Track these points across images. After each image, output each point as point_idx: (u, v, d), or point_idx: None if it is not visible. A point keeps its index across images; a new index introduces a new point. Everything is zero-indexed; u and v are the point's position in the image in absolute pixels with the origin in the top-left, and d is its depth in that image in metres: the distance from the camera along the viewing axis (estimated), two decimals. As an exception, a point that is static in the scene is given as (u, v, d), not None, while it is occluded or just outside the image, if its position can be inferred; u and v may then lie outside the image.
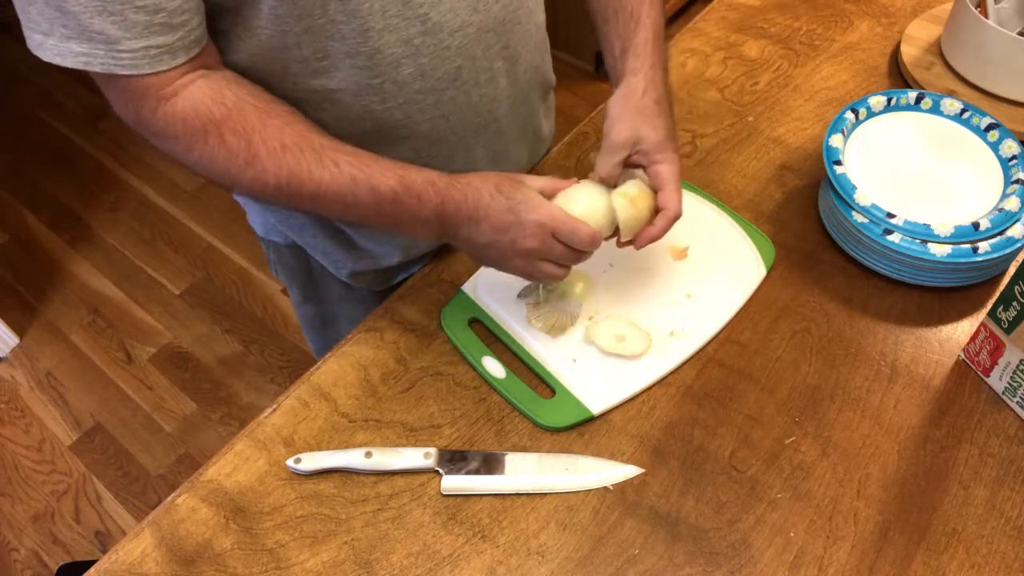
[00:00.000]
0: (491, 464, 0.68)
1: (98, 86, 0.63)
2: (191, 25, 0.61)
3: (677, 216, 0.70)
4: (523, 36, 0.78)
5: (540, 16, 0.82)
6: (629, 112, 0.70)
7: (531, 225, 0.66)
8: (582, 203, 0.68)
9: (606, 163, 0.69)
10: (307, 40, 0.65)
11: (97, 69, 0.59)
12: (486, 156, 0.83)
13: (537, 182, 0.68)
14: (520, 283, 0.78)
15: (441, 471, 0.68)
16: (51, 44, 0.58)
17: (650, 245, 0.76)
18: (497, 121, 0.81)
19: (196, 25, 0.62)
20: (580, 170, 0.92)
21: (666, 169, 0.70)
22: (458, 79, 0.74)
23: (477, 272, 0.82)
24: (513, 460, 0.69)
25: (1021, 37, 0.88)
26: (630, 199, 0.68)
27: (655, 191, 0.70)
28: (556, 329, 0.76)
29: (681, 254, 0.81)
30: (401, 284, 0.85)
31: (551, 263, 0.68)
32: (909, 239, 0.74)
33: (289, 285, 1.01)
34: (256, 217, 0.93)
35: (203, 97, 0.63)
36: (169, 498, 0.69)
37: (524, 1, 0.77)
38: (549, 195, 0.68)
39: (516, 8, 0.75)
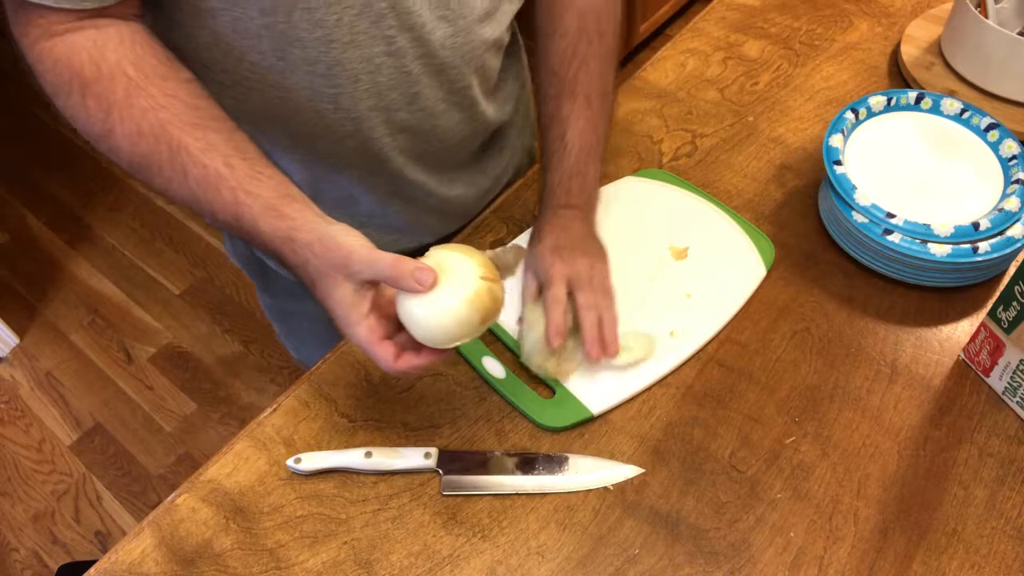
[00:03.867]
0: (492, 464, 0.68)
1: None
2: None
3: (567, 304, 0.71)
4: (483, 81, 0.79)
5: (499, 64, 0.82)
6: (527, 265, 0.75)
7: (340, 329, 0.62)
8: (426, 307, 0.58)
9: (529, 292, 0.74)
10: (267, 35, 0.64)
11: None
12: (431, 180, 0.83)
13: (364, 274, 0.58)
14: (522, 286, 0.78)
15: (441, 471, 0.68)
16: None
17: (650, 244, 0.75)
18: (446, 150, 0.81)
19: None
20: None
21: (547, 278, 0.72)
22: (414, 104, 0.73)
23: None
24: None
25: (1021, 37, 0.88)
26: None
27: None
28: (561, 375, 0.73)
29: (681, 254, 0.81)
30: None
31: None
32: (909, 239, 0.74)
33: (247, 274, 0.98)
34: None
35: (81, 49, 0.60)
36: (169, 498, 0.69)
37: (489, 50, 0.76)
38: (388, 282, 0.59)
39: (481, 54, 0.75)
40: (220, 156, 0.61)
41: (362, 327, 0.59)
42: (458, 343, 0.60)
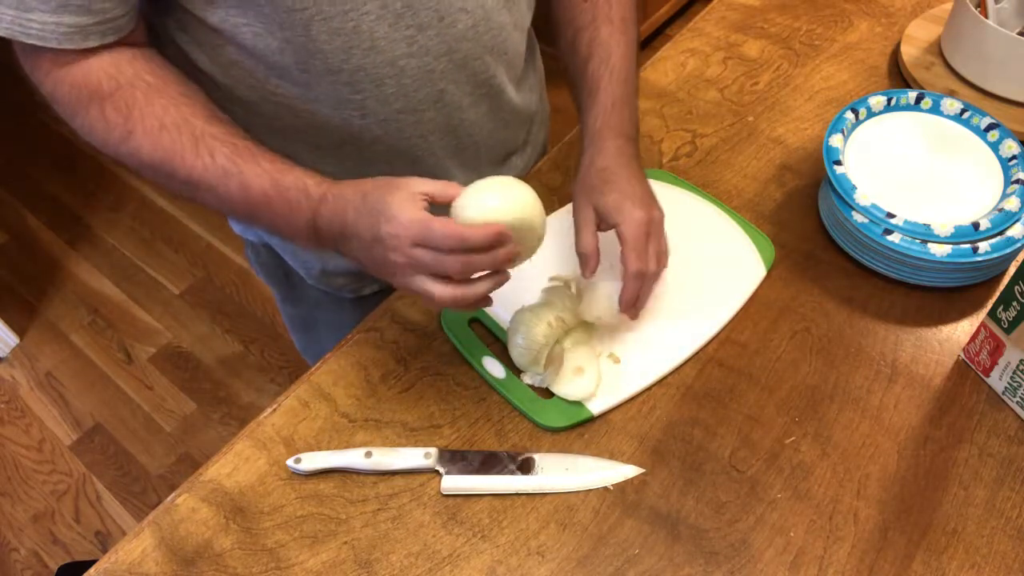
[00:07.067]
0: (492, 464, 0.69)
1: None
2: (112, 14, 0.60)
3: (638, 272, 0.67)
4: (508, 67, 0.79)
5: (523, 48, 0.81)
6: (581, 191, 0.71)
7: (389, 239, 0.58)
8: (477, 202, 0.59)
9: (581, 239, 0.69)
10: (289, 49, 0.65)
11: (0, 34, 0.58)
12: (464, 177, 0.83)
13: (422, 186, 0.60)
14: (524, 293, 0.77)
15: (441, 471, 0.68)
16: None
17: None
18: (476, 145, 0.81)
19: (119, 15, 0.61)
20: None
21: (624, 229, 0.68)
22: (440, 101, 0.73)
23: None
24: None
25: (1021, 37, 0.88)
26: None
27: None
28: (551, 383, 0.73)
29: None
30: (378, 293, 0.83)
31: (432, 279, 0.59)
32: (909, 239, 0.74)
33: (269, 284, 0.99)
34: None
35: (97, 69, 0.62)
36: (169, 498, 0.69)
37: (512, 34, 0.76)
38: (440, 200, 0.60)
39: (504, 40, 0.75)
40: (249, 140, 0.64)
41: (419, 207, 0.58)
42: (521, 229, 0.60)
